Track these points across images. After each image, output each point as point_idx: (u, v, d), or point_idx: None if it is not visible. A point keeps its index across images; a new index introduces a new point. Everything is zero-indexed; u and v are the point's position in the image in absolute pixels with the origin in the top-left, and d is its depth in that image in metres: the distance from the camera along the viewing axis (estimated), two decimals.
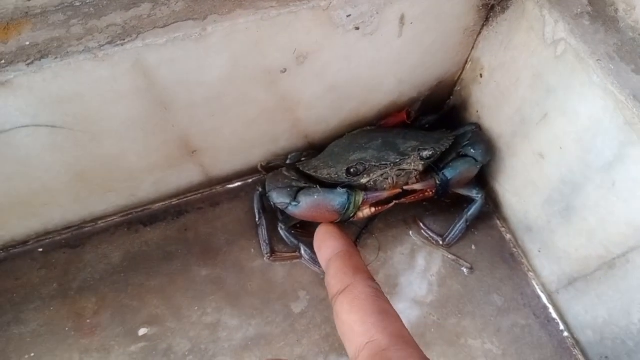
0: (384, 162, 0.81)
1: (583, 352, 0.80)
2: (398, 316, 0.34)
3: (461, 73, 0.93)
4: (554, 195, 0.77)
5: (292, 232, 0.88)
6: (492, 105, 0.88)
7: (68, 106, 0.65)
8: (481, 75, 0.88)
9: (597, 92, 0.64)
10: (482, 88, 0.89)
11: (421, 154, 0.82)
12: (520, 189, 0.86)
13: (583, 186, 0.71)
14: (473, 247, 0.91)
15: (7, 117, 0.63)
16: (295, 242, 0.87)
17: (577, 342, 0.81)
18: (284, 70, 0.74)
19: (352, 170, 0.81)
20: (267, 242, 0.88)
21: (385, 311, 0.33)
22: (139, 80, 0.66)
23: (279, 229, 0.88)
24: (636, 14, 0.65)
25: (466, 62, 0.90)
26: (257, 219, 0.89)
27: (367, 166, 0.81)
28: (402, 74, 0.86)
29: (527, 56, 0.76)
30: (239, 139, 0.85)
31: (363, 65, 0.80)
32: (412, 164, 0.82)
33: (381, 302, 0.33)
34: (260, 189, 0.89)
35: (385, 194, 0.82)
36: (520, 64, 0.78)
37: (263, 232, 0.89)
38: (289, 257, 0.89)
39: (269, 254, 0.88)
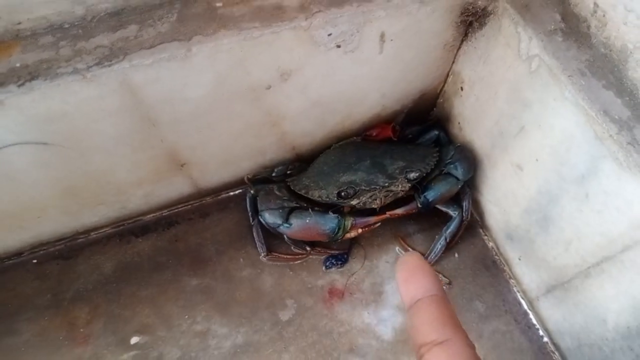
0: (373, 186, 0.85)
1: (562, 358, 0.82)
2: None
3: (443, 86, 0.95)
4: (532, 205, 0.80)
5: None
6: (472, 118, 0.90)
7: (56, 125, 0.67)
8: (462, 89, 0.90)
9: (570, 107, 0.66)
10: (463, 101, 0.92)
11: (408, 176, 0.86)
12: (500, 199, 0.88)
13: (559, 197, 0.73)
14: (456, 255, 0.93)
15: None
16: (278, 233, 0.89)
17: (557, 348, 0.83)
18: (269, 87, 0.77)
19: (342, 193, 0.85)
20: (263, 241, 0.90)
21: None
22: (126, 99, 0.68)
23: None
24: (607, 31, 0.67)
25: (447, 75, 0.92)
26: (251, 220, 0.92)
27: (357, 190, 0.85)
28: (384, 88, 0.88)
29: (504, 71, 0.78)
30: (227, 152, 0.88)
31: (346, 81, 0.82)
32: (400, 186, 0.86)
33: None
34: (252, 192, 0.92)
35: (372, 220, 0.87)
36: (498, 78, 0.80)
37: (258, 233, 0.91)
38: (285, 257, 0.91)
39: (265, 253, 0.90)
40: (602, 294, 0.70)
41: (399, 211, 0.88)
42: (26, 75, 0.62)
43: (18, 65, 0.63)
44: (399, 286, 0.36)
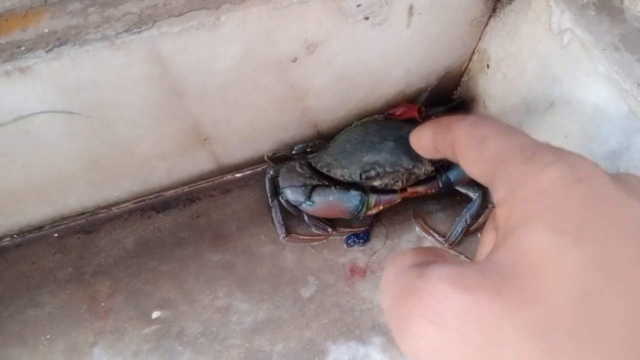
0: (397, 168, 0.84)
1: None
2: None
3: (468, 64, 0.94)
4: None
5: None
6: (498, 96, 0.89)
7: (85, 93, 0.67)
8: (488, 66, 0.89)
9: (602, 81, 0.65)
10: (489, 79, 0.90)
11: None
12: None
13: None
14: (479, 234, 0.92)
15: (25, 103, 0.65)
16: (298, 212, 0.89)
17: None
18: (295, 60, 0.76)
19: (365, 174, 0.85)
20: (282, 222, 0.90)
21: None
22: (154, 68, 0.67)
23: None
24: None
25: (473, 52, 0.91)
26: (269, 201, 0.91)
27: (380, 171, 0.84)
28: (409, 64, 0.87)
29: (534, 46, 0.77)
30: (250, 127, 0.87)
31: (372, 55, 0.81)
32: (423, 169, 0.86)
33: None
34: (272, 172, 0.92)
35: (396, 197, 0.87)
36: (527, 54, 0.79)
37: (277, 214, 0.90)
38: (304, 239, 0.91)
39: (284, 234, 0.90)
40: None
41: (420, 189, 0.87)
42: (55, 41, 0.62)
43: (47, 31, 0.63)
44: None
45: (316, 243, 0.91)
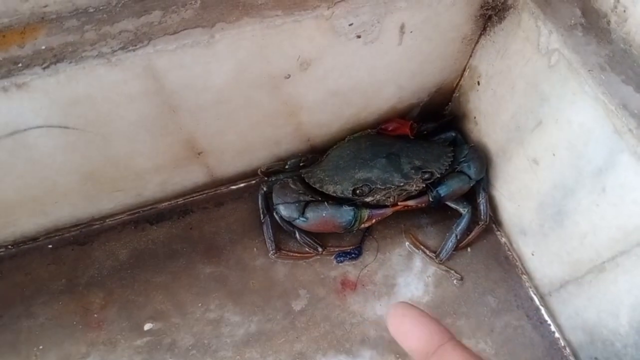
0: (388, 185, 0.86)
1: (574, 354, 0.82)
2: None
3: (459, 80, 0.96)
4: (546, 199, 0.80)
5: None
6: (488, 112, 0.90)
7: (80, 108, 0.68)
8: (478, 83, 0.91)
9: (589, 101, 0.66)
10: (479, 95, 0.92)
11: (423, 176, 0.87)
12: (514, 194, 0.88)
13: (575, 191, 0.74)
14: (468, 250, 0.93)
15: (22, 117, 0.66)
16: (290, 228, 0.90)
17: (568, 343, 0.83)
18: (288, 76, 0.77)
19: (358, 191, 0.86)
20: (272, 239, 0.91)
21: None
22: (149, 84, 0.69)
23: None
24: (628, 26, 0.68)
25: (464, 69, 0.93)
26: (261, 218, 0.92)
27: (372, 188, 0.86)
28: (401, 80, 0.89)
29: (523, 65, 0.78)
30: (243, 141, 0.88)
31: (364, 72, 0.83)
32: (414, 186, 0.87)
33: None
34: (265, 189, 0.93)
35: (388, 211, 0.88)
36: (516, 73, 0.80)
37: (268, 230, 0.91)
38: (293, 256, 0.92)
39: (274, 251, 0.90)
40: (616, 289, 0.71)
41: (411, 202, 0.88)
42: (51, 58, 0.63)
43: (43, 47, 0.64)
44: (401, 344, 0.35)
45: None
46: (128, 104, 0.70)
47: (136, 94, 0.69)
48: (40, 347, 0.81)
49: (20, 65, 0.62)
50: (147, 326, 0.83)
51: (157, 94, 0.71)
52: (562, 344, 0.84)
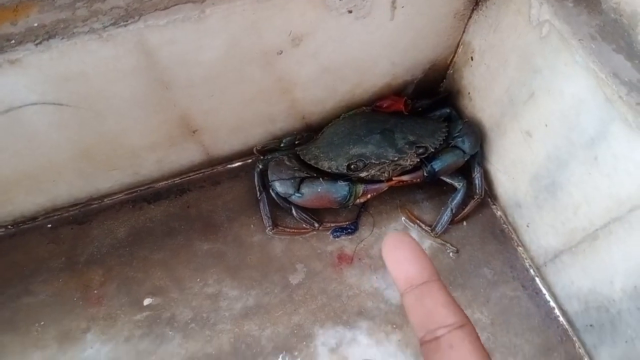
0: (382, 160, 0.86)
1: (569, 322, 0.83)
2: None
3: (453, 56, 0.96)
4: (540, 171, 0.80)
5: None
6: (482, 87, 0.91)
7: (73, 84, 0.69)
8: (472, 58, 0.91)
9: (580, 71, 0.67)
10: (473, 70, 0.92)
11: (417, 151, 0.87)
12: (509, 167, 0.89)
13: (568, 162, 0.74)
14: (464, 224, 0.94)
15: (16, 94, 0.67)
16: (287, 204, 0.91)
17: (563, 312, 0.84)
18: (280, 52, 0.77)
19: (352, 166, 0.87)
20: (269, 215, 0.92)
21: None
22: (141, 59, 0.69)
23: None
24: None
25: (458, 45, 0.93)
26: (258, 195, 0.93)
27: (367, 163, 0.86)
28: (395, 56, 0.89)
29: (515, 38, 0.78)
30: (238, 119, 0.89)
31: (356, 48, 0.83)
32: (409, 160, 0.88)
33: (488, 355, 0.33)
34: (260, 166, 0.93)
35: (383, 186, 0.89)
36: (509, 46, 0.80)
37: (265, 207, 0.92)
38: (290, 232, 0.92)
39: (271, 227, 0.91)
40: (609, 256, 0.71)
41: (406, 177, 0.89)
42: (44, 35, 0.63)
43: (36, 25, 0.64)
44: (389, 266, 0.35)
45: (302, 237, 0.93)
46: (121, 80, 0.71)
47: (128, 69, 0.70)
48: (41, 323, 0.82)
49: (13, 42, 0.63)
50: (147, 301, 0.85)
51: (149, 69, 0.71)
52: (558, 313, 0.85)
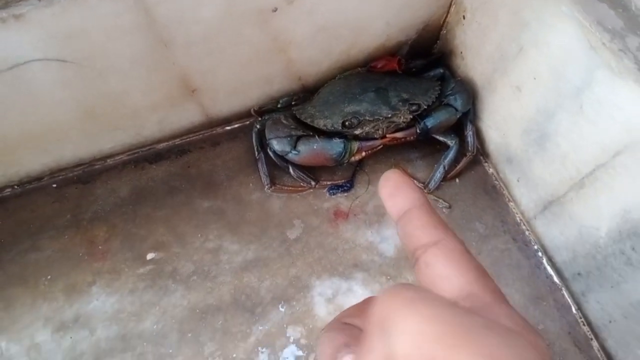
0: (376, 117, 0.88)
1: (558, 271, 0.86)
2: (492, 277, 0.33)
3: (446, 16, 0.98)
4: (530, 125, 0.83)
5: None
6: (474, 45, 0.93)
7: (76, 41, 0.71)
8: (464, 17, 0.93)
9: (566, 21, 0.69)
10: (465, 29, 0.94)
11: (411, 108, 0.90)
12: (500, 123, 0.91)
13: (555, 113, 0.76)
14: (457, 180, 0.96)
15: (21, 50, 0.69)
16: (284, 163, 0.93)
17: (552, 263, 0.87)
18: (275, 10, 0.79)
19: (347, 123, 0.89)
20: (267, 174, 0.94)
21: (482, 269, 0.31)
22: (141, 17, 0.71)
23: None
24: None
25: (450, 5, 0.95)
26: (256, 154, 0.95)
27: (361, 120, 0.89)
28: (389, 16, 0.91)
29: None
30: (236, 79, 0.91)
31: (351, 7, 0.85)
32: (402, 117, 0.90)
33: (475, 261, 0.32)
34: (258, 126, 0.96)
35: (378, 143, 0.91)
36: (499, 2, 0.82)
37: (263, 166, 0.95)
38: (288, 189, 0.95)
39: (269, 185, 0.94)
40: (596, 203, 0.74)
41: (399, 134, 0.91)
42: None
43: None
44: (384, 201, 0.37)
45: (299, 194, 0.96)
46: (121, 37, 0.73)
47: (128, 27, 0.72)
48: (49, 277, 0.85)
49: None
50: (150, 256, 0.88)
51: (148, 27, 0.73)
52: (546, 264, 0.88)
